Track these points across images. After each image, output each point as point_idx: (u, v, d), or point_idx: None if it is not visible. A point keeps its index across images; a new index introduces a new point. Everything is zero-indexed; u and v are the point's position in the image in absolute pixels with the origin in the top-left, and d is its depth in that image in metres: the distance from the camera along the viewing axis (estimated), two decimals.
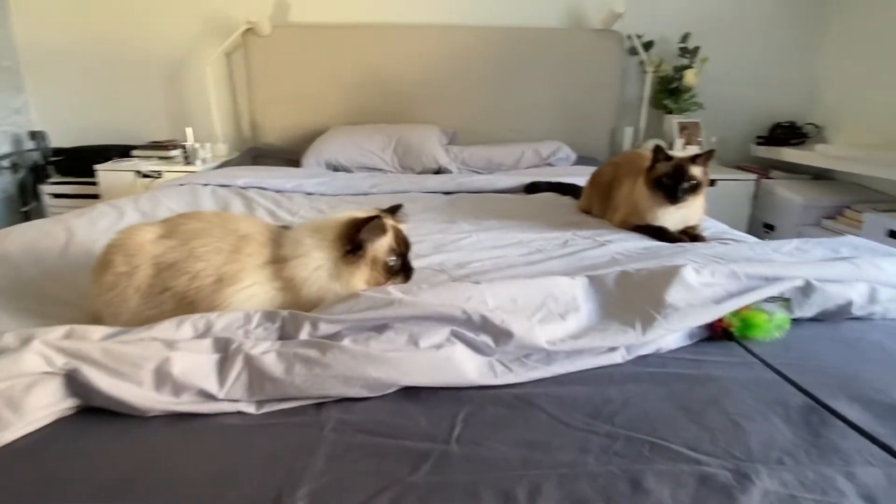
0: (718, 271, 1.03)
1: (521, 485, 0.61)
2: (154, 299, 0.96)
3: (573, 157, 2.99)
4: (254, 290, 0.98)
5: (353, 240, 1.00)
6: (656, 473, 0.63)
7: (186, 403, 0.75)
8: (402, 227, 1.12)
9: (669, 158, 1.59)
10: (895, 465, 0.64)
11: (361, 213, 1.04)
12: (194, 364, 0.76)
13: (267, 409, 0.77)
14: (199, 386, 0.75)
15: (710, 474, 0.63)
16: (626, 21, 2.97)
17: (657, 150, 1.60)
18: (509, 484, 0.61)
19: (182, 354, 0.76)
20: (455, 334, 0.85)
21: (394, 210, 1.13)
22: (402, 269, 1.07)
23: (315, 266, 0.99)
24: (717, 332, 0.96)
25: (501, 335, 0.84)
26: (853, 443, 0.68)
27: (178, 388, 0.75)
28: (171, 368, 0.74)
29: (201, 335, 0.84)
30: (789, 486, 0.61)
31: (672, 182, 1.56)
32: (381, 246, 1.03)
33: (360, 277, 1.01)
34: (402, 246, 1.08)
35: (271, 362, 0.77)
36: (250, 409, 0.76)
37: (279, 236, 1.04)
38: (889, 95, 2.72)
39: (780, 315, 0.96)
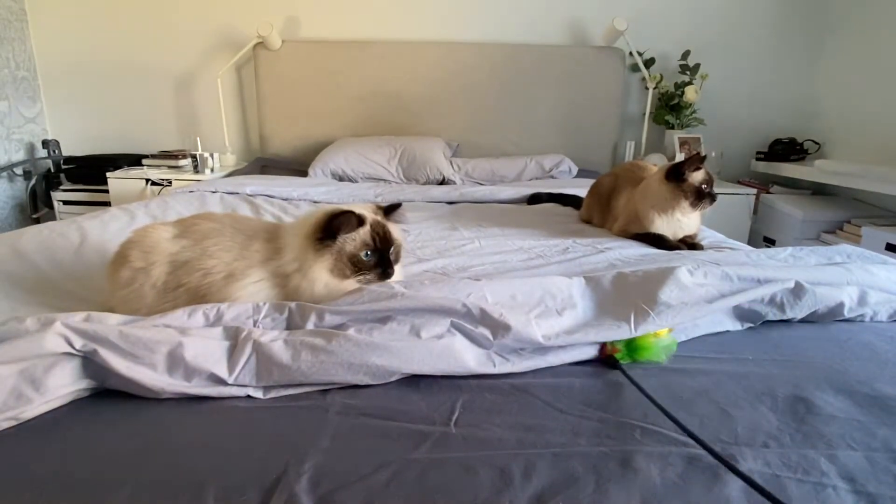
0: (711, 273, 1.06)
1: (517, 462, 0.64)
2: (169, 294, 1.00)
3: (575, 169, 3.04)
4: (261, 286, 1.01)
5: (325, 230, 1.01)
6: (646, 454, 0.66)
7: (197, 387, 0.78)
8: (398, 226, 1.12)
9: (700, 167, 1.63)
10: (877, 449, 0.67)
11: (344, 207, 1.05)
12: (205, 350, 0.79)
13: (274, 394, 0.80)
14: (210, 370, 0.78)
15: (697, 455, 0.65)
16: (627, 38, 3.04)
17: (698, 158, 1.62)
18: (505, 461, 0.64)
19: (194, 340, 0.80)
20: (455, 326, 0.88)
21: (391, 209, 1.13)
22: (378, 266, 1.04)
23: (293, 258, 1.02)
24: (603, 357, 0.91)
25: (499, 328, 0.87)
26: (836, 428, 0.71)
27: (189, 373, 0.78)
28: (183, 353, 0.77)
29: (212, 324, 0.87)
30: (773, 467, 0.63)
31: (710, 188, 1.63)
32: (353, 238, 1.02)
33: (321, 265, 1.00)
34: (381, 242, 1.05)
35: (279, 349, 0.81)
36: (258, 394, 0.80)
37: (277, 232, 1.08)
38: (887, 112, 2.77)
39: (668, 338, 0.94)
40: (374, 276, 1.03)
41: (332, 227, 1.00)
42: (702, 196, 1.61)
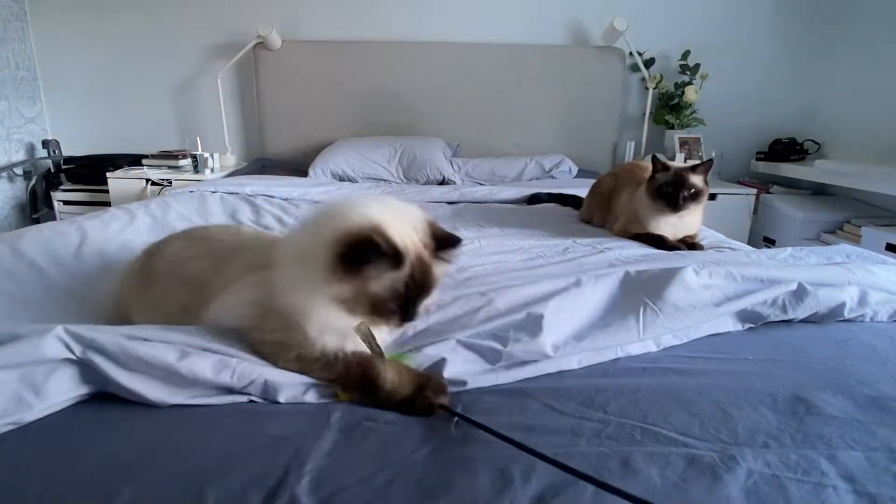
0: (716, 272, 1.06)
1: (517, 463, 0.64)
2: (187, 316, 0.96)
3: (575, 169, 3.04)
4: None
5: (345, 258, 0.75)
6: (645, 455, 0.66)
7: (198, 398, 0.77)
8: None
9: (667, 168, 1.64)
10: (877, 449, 0.67)
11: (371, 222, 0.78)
12: (205, 364, 0.77)
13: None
14: (212, 381, 0.76)
15: (697, 456, 0.65)
16: (627, 38, 3.03)
17: (654, 161, 1.65)
18: (505, 462, 0.64)
19: (194, 358, 0.77)
20: (461, 342, 0.88)
21: (447, 241, 0.88)
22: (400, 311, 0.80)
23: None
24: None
25: (509, 341, 0.87)
26: (836, 428, 0.71)
27: (190, 386, 0.77)
28: (183, 369, 0.75)
29: (213, 336, 0.86)
30: (773, 467, 0.63)
31: (673, 190, 1.61)
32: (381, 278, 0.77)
33: (330, 303, 0.78)
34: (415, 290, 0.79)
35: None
36: (261, 400, 0.79)
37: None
38: (887, 112, 2.77)
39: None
40: (395, 324, 0.82)
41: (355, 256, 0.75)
42: (661, 195, 1.64)
